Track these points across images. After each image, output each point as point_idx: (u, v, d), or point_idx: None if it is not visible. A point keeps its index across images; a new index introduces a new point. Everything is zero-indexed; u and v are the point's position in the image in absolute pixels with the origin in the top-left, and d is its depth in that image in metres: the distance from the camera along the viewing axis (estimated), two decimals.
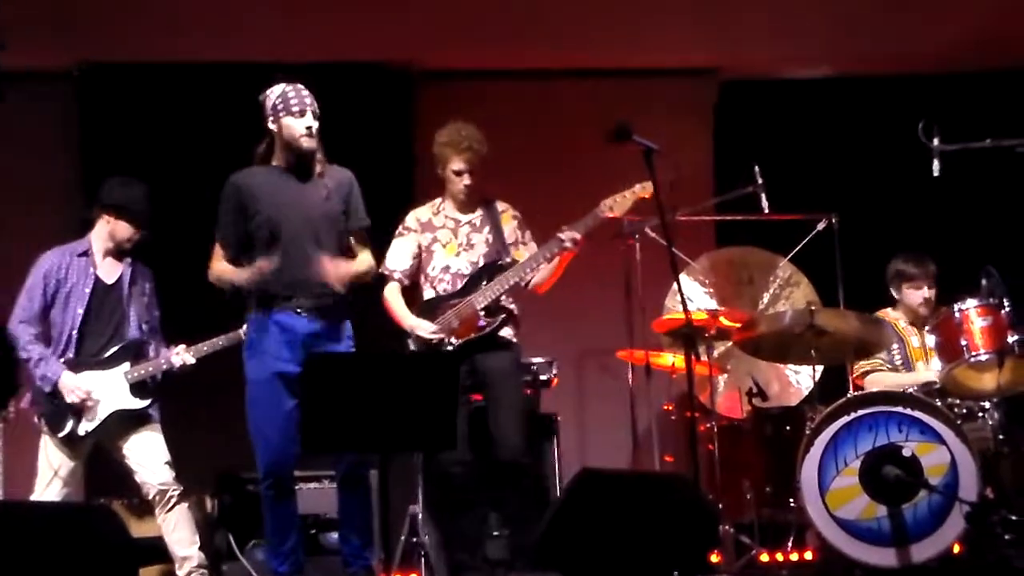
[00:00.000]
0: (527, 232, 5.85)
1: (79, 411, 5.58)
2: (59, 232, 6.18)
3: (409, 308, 5.71)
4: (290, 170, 5.29)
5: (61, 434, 5.58)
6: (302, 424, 4.56)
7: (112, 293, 5.74)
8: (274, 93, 5.29)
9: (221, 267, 5.32)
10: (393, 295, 5.75)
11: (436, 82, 7.86)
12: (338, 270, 5.22)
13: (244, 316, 5.37)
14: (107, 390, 5.63)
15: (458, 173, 5.71)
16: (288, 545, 5.27)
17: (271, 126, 5.30)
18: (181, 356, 5.74)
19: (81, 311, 5.66)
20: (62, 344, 5.65)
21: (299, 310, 5.23)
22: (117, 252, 5.77)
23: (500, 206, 5.85)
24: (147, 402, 5.69)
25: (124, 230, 5.74)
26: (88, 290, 5.68)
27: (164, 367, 5.74)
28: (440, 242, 5.78)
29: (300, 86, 5.32)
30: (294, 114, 5.24)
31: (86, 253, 5.74)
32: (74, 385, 5.57)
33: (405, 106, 7.77)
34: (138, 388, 5.67)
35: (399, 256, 5.78)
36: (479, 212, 5.81)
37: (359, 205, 5.39)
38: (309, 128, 5.23)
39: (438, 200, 5.87)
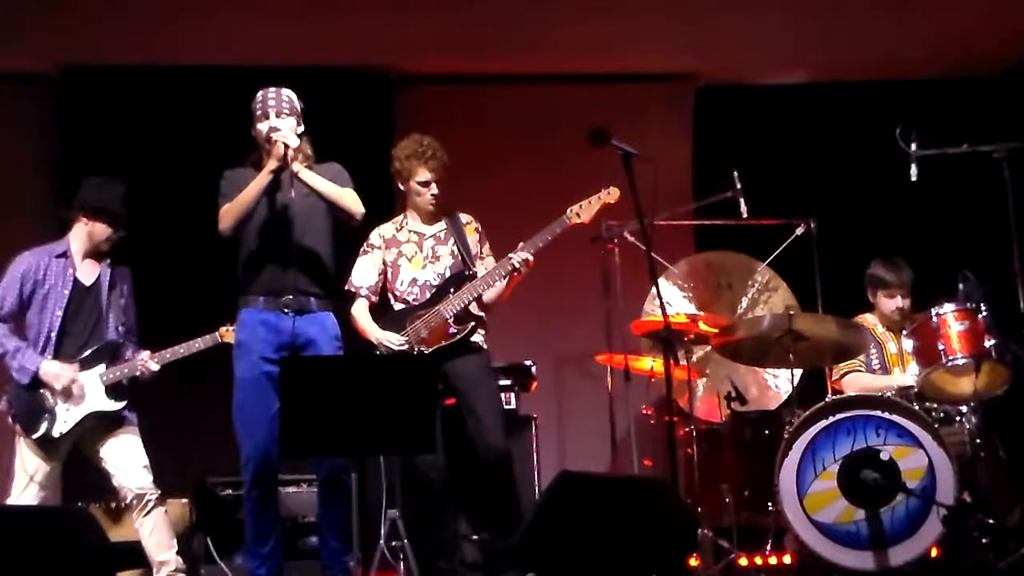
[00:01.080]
0: (486, 246, 5.82)
1: (53, 413, 5.55)
2: (37, 235, 6.13)
3: (376, 322, 5.69)
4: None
5: (35, 435, 5.53)
6: (281, 428, 4.55)
7: (91, 295, 5.70)
8: (254, 100, 5.35)
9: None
10: (360, 312, 5.72)
11: (415, 86, 7.86)
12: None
13: (235, 315, 5.38)
14: (83, 392, 5.60)
15: (425, 184, 5.69)
16: (268, 547, 5.25)
17: (253, 132, 5.36)
18: (146, 363, 5.70)
19: (60, 313, 5.62)
20: (40, 346, 5.60)
21: (286, 310, 5.25)
22: (95, 253, 5.75)
23: (464, 218, 5.82)
24: (123, 404, 5.65)
25: (101, 231, 5.72)
26: (67, 291, 5.64)
27: (138, 370, 5.72)
28: (405, 256, 5.75)
29: (272, 89, 5.36)
30: (259, 118, 5.32)
31: (64, 254, 5.71)
32: (58, 369, 5.54)
33: (384, 110, 7.76)
34: (114, 390, 5.64)
35: (364, 273, 5.75)
36: (443, 224, 5.79)
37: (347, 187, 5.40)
38: (274, 129, 5.24)
39: (400, 217, 5.84)
